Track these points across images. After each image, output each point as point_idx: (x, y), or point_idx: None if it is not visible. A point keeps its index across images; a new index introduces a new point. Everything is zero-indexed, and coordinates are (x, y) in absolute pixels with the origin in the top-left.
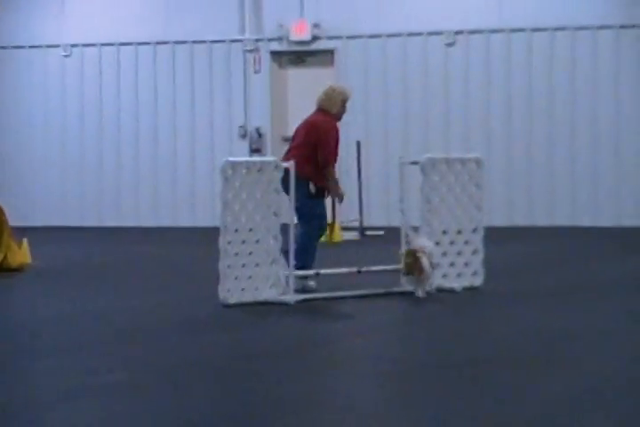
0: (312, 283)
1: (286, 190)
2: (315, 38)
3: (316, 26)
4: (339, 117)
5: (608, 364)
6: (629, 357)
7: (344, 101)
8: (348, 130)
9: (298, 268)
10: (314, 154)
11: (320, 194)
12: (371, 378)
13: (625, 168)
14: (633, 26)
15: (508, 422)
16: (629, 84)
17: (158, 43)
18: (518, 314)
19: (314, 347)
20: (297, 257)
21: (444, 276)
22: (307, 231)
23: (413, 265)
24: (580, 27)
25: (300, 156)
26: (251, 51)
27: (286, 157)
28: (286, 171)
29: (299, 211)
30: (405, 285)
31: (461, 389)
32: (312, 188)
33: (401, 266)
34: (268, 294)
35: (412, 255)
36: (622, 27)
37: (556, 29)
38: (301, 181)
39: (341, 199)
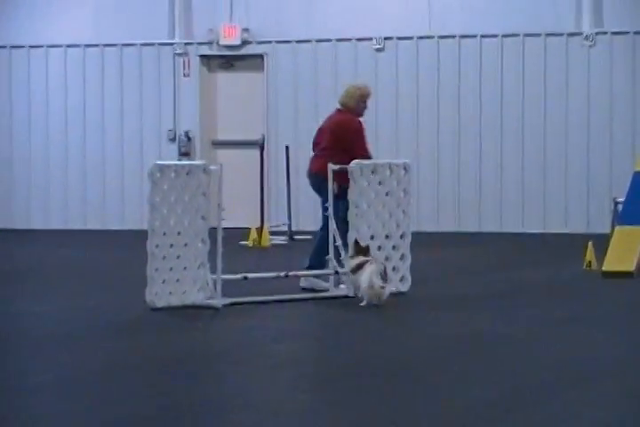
0: (326, 284)
1: (319, 193)
2: (244, 43)
3: (245, 30)
4: (359, 113)
5: (529, 368)
6: (550, 360)
7: (363, 97)
8: (278, 135)
9: (310, 267)
10: (340, 155)
11: (344, 195)
12: (294, 381)
13: (551, 176)
14: (561, 34)
15: (427, 425)
16: (555, 88)
17: (87, 46)
18: (444, 319)
19: (239, 350)
20: (314, 257)
21: None
22: (338, 228)
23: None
24: (507, 34)
25: (326, 157)
26: (180, 54)
27: (314, 161)
28: (314, 174)
29: (326, 211)
30: (335, 289)
31: (383, 392)
32: (335, 188)
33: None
34: (196, 297)
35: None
36: (548, 35)
37: (484, 36)
38: (326, 183)
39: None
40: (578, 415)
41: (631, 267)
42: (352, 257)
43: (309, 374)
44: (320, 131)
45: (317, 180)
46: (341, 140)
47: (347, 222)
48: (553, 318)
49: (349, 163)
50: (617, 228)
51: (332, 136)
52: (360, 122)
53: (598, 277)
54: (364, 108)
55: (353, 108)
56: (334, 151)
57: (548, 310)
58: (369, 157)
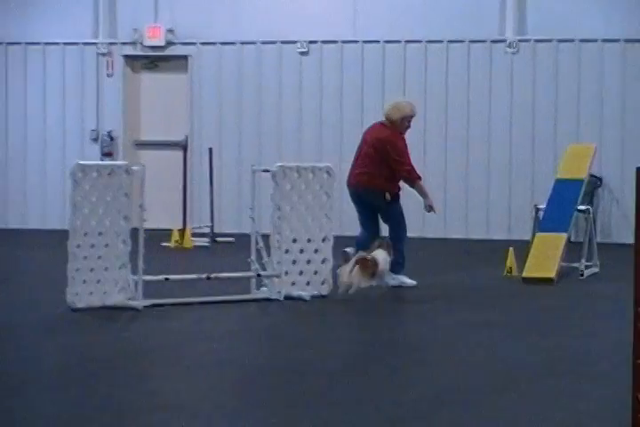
0: (409, 281)
1: (360, 205)
2: (169, 44)
3: (170, 31)
4: (402, 132)
5: (449, 372)
6: (469, 365)
7: (409, 118)
8: (201, 136)
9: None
10: (382, 167)
11: (396, 197)
12: (214, 382)
13: (473, 182)
14: (484, 41)
15: (350, 426)
16: (478, 95)
17: (10, 44)
18: (365, 322)
19: (159, 351)
20: (400, 256)
21: (293, 284)
22: (399, 235)
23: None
24: (431, 40)
25: (368, 173)
26: (104, 54)
27: (355, 174)
28: (353, 187)
29: (387, 219)
30: (256, 292)
31: (302, 394)
32: (387, 196)
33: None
34: (117, 298)
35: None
36: (472, 41)
37: (408, 42)
38: (377, 193)
39: (432, 209)
40: (498, 418)
41: (551, 273)
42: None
43: (229, 375)
44: (365, 141)
45: (359, 192)
46: (382, 157)
47: (402, 227)
48: (473, 324)
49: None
50: (537, 235)
51: (375, 152)
52: (404, 139)
53: (519, 283)
54: (408, 127)
55: (398, 124)
56: (374, 166)
57: (468, 315)
58: (413, 181)
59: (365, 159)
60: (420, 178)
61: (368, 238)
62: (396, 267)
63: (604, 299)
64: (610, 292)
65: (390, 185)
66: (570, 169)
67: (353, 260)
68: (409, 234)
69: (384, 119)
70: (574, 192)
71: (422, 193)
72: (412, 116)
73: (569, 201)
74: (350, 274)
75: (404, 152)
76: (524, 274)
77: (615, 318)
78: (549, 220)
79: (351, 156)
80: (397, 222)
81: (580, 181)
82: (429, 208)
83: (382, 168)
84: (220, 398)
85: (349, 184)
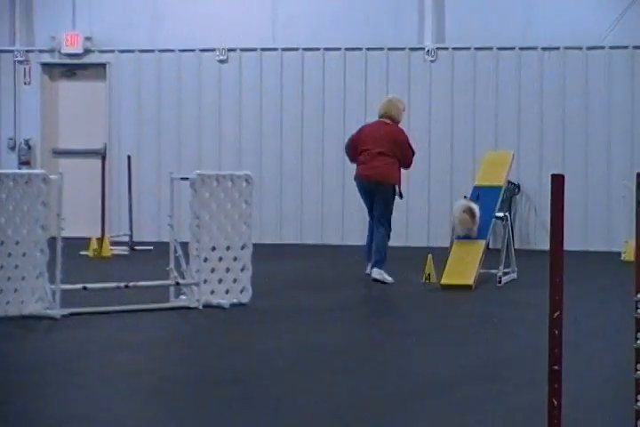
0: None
1: (372, 198)
2: (87, 51)
3: (88, 39)
4: (399, 123)
5: (368, 381)
6: (389, 373)
7: (404, 110)
8: (120, 144)
9: (381, 262)
10: (396, 161)
11: (400, 193)
12: (134, 392)
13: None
14: (402, 48)
15: None
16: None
17: None
18: (284, 331)
19: (79, 361)
20: (380, 253)
21: (212, 292)
22: (386, 231)
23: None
24: (350, 47)
25: (389, 165)
26: (21, 62)
27: (374, 166)
28: (369, 179)
29: (383, 214)
30: (175, 300)
31: (226, 404)
32: (398, 190)
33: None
34: (34, 307)
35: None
36: (391, 49)
37: (327, 49)
38: (390, 186)
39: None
40: (415, 425)
41: (469, 281)
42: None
43: (150, 385)
44: (373, 136)
45: (372, 184)
46: (397, 149)
47: (390, 223)
48: (392, 331)
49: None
50: (455, 242)
51: (390, 145)
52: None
53: (437, 290)
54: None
55: (399, 120)
56: (392, 158)
57: (387, 323)
58: (408, 168)
59: (383, 154)
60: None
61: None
62: (381, 263)
63: (522, 305)
64: (527, 298)
65: (400, 178)
66: (488, 176)
67: (461, 207)
68: (334, 241)
69: (383, 117)
70: (492, 199)
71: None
72: (404, 108)
73: (487, 208)
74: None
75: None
76: (443, 281)
77: (532, 324)
78: None
79: (270, 163)
80: (390, 218)
81: (498, 188)
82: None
83: (396, 162)
84: (139, 408)
85: (367, 177)
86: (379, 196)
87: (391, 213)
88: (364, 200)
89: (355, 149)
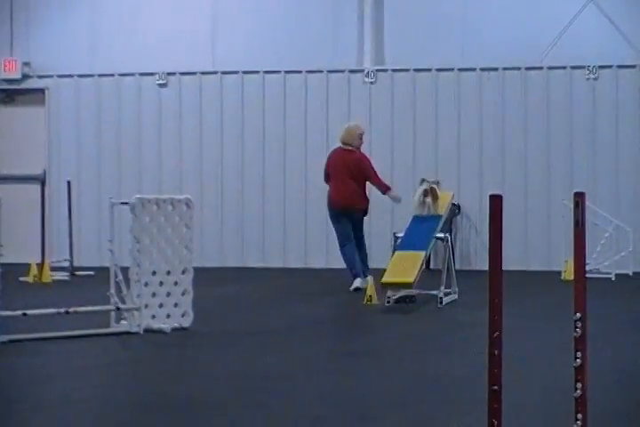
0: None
1: (346, 222)
2: (25, 77)
3: (26, 64)
4: (359, 148)
5: (310, 402)
6: (331, 394)
7: (361, 135)
8: (60, 170)
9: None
10: (363, 186)
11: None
12: (77, 420)
13: None
14: (342, 70)
15: None
16: (337, 124)
17: None
18: (227, 355)
19: (18, 389)
20: (365, 263)
21: (154, 317)
22: (365, 245)
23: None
24: (289, 70)
25: (356, 192)
26: None
27: (341, 194)
28: (338, 206)
29: (358, 235)
30: (117, 325)
31: None
32: (365, 215)
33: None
34: None
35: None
36: (330, 71)
37: (267, 72)
38: (360, 213)
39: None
40: None
41: (410, 279)
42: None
43: (90, 412)
44: (336, 165)
45: (342, 210)
46: (361, 175)
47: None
48: (334, 352)
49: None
50: (396, 252)
51: (353, 172)
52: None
53: (379, 312)
54: (361, 144)
55: (357, 145)
56: (358, 186)
57: (329, 344)
58: (386, 189)
59: (351, 180)
60: (390, 188)
61: (354, 247)
62: (365, 270)
63: (463, 326)
64: (468, 318)
65: (368, 201)
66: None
67: (421, 190)
68: (276, 264)
69: (343, 143)
70: (433, 224)
71: (393, 196)
72: (362, 133)
73: (427, 229)
74: (422, 203)
75: (373, 166)
76: (384, 279)
77: (473, 344)
78: (407, 241)
79: (211, 187)
80: (363, 237)
81: (439, 216)
82: (397, 199)
83: (363, 187)
84: None
85: (339, 204)
86: (354, 219)
87: (363, 232)
88: (334, 223)
89: (327, 176)
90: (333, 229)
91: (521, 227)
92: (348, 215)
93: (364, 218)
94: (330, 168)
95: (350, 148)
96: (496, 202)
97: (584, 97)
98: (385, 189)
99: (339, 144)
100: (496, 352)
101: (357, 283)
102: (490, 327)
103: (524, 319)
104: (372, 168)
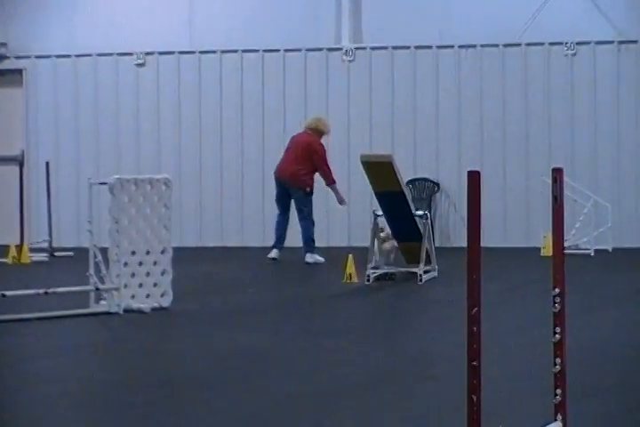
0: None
1: (284, 194)
2: (2, 58)
3: (3, 45)
4: (321, 137)
5: (289, 381)
6: (311, 373)
7: (327, 131)
8: (38, 150)
9: (311, 248)
10: (308, 166)
11: (311, 191)
12: (55, 398)
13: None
14: (320, 49)
15: None
16: (314, 103)
17: None
18: (206, 334)
19: None
20: (308, 242)
21: (133, 296)
22: (308, 221)
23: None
24: (268, 49)
25: (298, 170)
26: None
27: (286, 169)
28: (278, 180)
29: (301, 207)
30: (96, 306)
31: (150, 408)
32: (308, 190)
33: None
34: None
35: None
36: (308, 50)
37: (245, 51)
38: (301, 186)
39: (344, 202)
40: (337, 424)
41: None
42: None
43: (72, 391)
44: (292, 145)
45: (286, 186)
46: (310, 157)
47: (311, 215)
48: (314, 331)
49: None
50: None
51: (303, 153)
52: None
53: (358, 290)
54: (321, 137)
55: (319, 134)
56: (305, 165)
57: (309, 323)
58: (332, 181)
59: (297, 159)
60: (334, 182)
61: (284, 220)
62: (311, 247)
63: (442, 303)
64: (448, 295)
65: (310, 181)
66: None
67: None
68: (255, 243)
69: (309, 129)
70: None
71: (336, 192)
72: (328, 132)
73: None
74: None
75: (325, 155)
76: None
77: (452, 321)
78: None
79: (190, 167)
80: (309, 211)
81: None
82: (342, 201)
83: (308, 166)
84: (62, 415)
85: (280, 176)
86: (291, 193)
87: (309, 207)
88: (276, 193)
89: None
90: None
91: (500, 203)
92: (286, 190)
93: (309, 198)
94: (288, 146)
95: (310, 132)
96: (474, 178)
97: (562, 73)
98: (330, 181)
99: None
100: (475, 328)
101: (273, 253)
102: (468, 303)
103: (503, 295)
104: (323, 157)
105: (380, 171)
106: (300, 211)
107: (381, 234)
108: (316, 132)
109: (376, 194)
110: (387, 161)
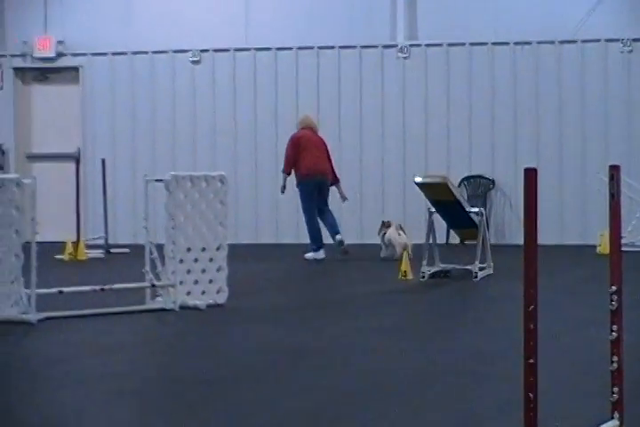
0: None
1: (320, 192)
2: (59, 55)
3: (60, 43)
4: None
5: (343, 378)
6: (364, 371)
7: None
8: (94, 148)
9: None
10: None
11: None
12: (113, 396)
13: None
14: (375, 46)
15: None
16: (370, 100)
17: None
18: (262, 330)
19: (55, 365)
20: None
21: (189, 293)
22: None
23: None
24: (323, 46)
25: (328, 167)
26: None
27: (324, 167)
28: (321, 181)
29: (327, 202)
30: (152, 302)
31: (204, 405)
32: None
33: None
34: (10, 312)
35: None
36: (364, 47)
37: (300, 48)
38: (331, 183)
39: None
40: (398, 421)
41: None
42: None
43: (127, 388)
44: (311, 142)
45: (325, 181)
46: (328, 153)
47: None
48: (370, 328)
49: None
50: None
51: (325, 150)
52: None
53: (414, 287)
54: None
55: (316, 131)
56: (329, 161)
57: (365, 320)
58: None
59: (322, 156)
60: (339, 180)
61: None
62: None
63: (498, 300)
64: (503, 292)
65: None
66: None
67: (393, 227)
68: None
69: (308, 127)
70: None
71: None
72: None
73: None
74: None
75: None
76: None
77: (508, 318)
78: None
79: (244, 164)
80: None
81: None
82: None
83: (330, 163)
84: (116, 411)
85: (322, 174)
86: (323, 190)
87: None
88: (312, 194)
89: (297, 153)
90: (306, 200)
91: (556, 200)
92: (321, 188)
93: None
94: (306, 144)
95: (314, 130)
96: (531, 175)
97: (618, 70)
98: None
99: (373, 118)
100: (531, 326)
101: (322, 254)
102: (525, 301)
103: (559, 293)
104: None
105: (436, 190)
106: (327, 203)
107: (390, 229)
108: (315, 129)
109: (431, 201)
110: (442, 182)
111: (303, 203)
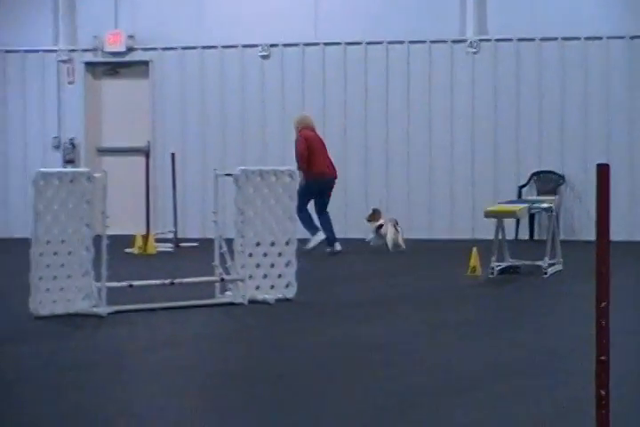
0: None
1: (326, 191)
2: (129, 49)
3: (130, 37)
4: None
5: (413, 373)
6: (433, 366)
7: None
8: (164, 142)
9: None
10: None
11: None
12: (183, 389)
13: (436, 186)
14: (445, 41)
15: None
16: (440, 95)
17: None
18: (330, 325)
19: (125, 358)
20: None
21: (258, 287)
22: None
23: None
24: (393, 41)
25: (333, 167)
26: (65, 61)
27: (332, 168)
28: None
29: (326, 207)
30: (221, 296)
31: (275, 401)
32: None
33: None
34: (81, 305)
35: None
36: (433, 42)
37: (369, 43)
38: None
39: None
40: (465, 418)
41: (516, 209)
42: (369, 220)
43: (196, 381)
44: (317, 142)
45: (332, 181)
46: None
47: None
48: (438, 324)
49: None
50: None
51: (326, 149)
52: None
53: (482, 283)
54: None
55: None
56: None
57: (433, 315)
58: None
59: (329, 159)
60: None
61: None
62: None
63: (568, 296)
64: (573, 289)
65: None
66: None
67: (387, 221)
68: None
69: (309, 127)
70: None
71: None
72: None
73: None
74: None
75: None
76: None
77: (579, 315)
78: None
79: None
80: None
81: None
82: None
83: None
84: (186, 404)
85: (328, 174)
86: (329, 189)
87: None
88: (315, 193)
89: (308, 154)
90: (303, 197)
91: (627, 196)
92: (329, 188)
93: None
94: (315, 146)
95: (314, 130)
96: (603, 171)
97: None
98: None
99: (442, 113)
100: (603, 323)
101: (337, 246)
102: (597, 298)
103: (630, 289)
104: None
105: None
106: (327, 207)
107: (381, 220)
108: (315, 129)
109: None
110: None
111: (300, 198)
